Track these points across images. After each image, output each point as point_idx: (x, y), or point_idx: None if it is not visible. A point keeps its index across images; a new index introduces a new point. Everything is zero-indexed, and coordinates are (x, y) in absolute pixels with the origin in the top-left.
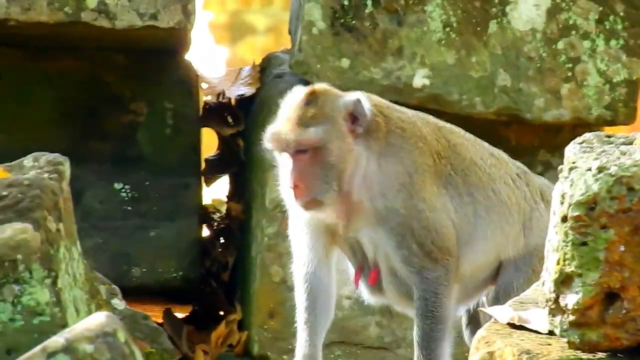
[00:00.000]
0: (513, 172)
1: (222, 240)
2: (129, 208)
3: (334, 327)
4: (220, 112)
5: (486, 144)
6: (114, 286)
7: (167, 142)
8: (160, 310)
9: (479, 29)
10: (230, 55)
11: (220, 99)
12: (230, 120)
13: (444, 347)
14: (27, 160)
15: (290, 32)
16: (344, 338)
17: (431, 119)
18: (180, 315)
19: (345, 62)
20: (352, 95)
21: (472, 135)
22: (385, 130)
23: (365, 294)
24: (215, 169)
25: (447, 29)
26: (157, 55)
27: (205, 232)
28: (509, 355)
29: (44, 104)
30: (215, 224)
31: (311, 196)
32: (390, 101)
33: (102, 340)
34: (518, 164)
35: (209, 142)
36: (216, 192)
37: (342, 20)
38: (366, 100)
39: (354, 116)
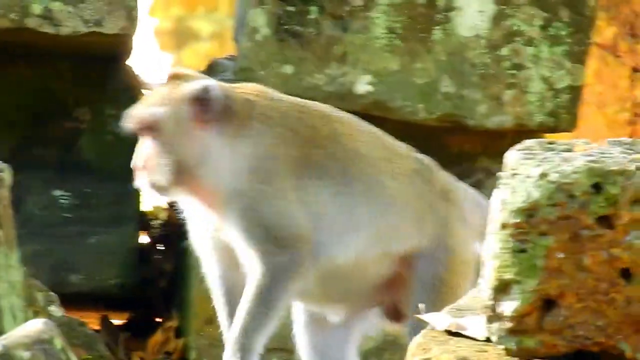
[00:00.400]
0: (410, 168)
1: (161, 248)
2: (70, 215)
3: (272, 334)
4: None
5: (388, 139)
6: (51, 293)
7: (109, 149)
8: (97, 317)
9: (423, 35)
10: (175, 61)
11: None
12: None
13: (264, 331)
14: None
15: (234, 39)
16: (283, 345)
17: (324, 109)
18: (117, 322)
19: (289, 69)
20: (201, 82)
21: (373, 129)
22: (245, 117)
23: None
24: None
25: (392, 35)
26: (101, 62)
27: (145, 239)
28: None
29: None
30: (155, 231)
31: (149, 179)
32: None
33: (39, 347)
34: (426, 161)
35: None
36: (157, 199)
37: (286, 27)
38: (217, 87)
39: (203, 102)
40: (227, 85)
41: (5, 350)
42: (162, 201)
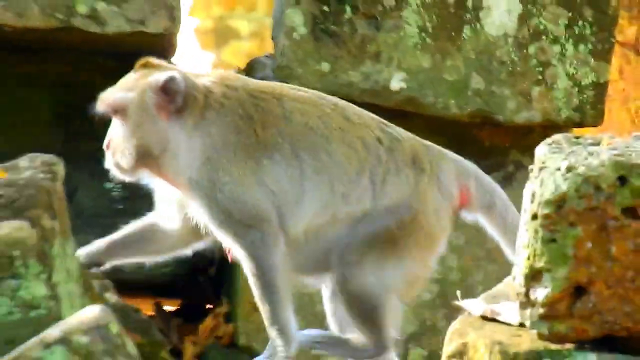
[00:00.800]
0: (369, 136)
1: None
2: (121, 207)
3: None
4: None
5: (353, 111)
6: (106, 281)
7: None
8: (150, 304)
9: (453, 34)
10: (216, 59)
11: None
12: None
13: (282, 306)
14: (23, 161)
15: (273, 38)
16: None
17: (281, 90)
18: (170, 308)
19: (325, 66)
20: (167, 73)
21: (338, 103)
22: (203, 107)
23: None
24: None
25: (423, 34)
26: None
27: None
28: (482, 346)
29: (39, 106)
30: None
31: (114, 160)
32: (369, 103)
33: (96, 332)
34: (393, 131)
35: None
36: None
37: (322, 26)
38: (181, 79)
39: (167, 92)
40: (192, 75)
41: (64, 336)
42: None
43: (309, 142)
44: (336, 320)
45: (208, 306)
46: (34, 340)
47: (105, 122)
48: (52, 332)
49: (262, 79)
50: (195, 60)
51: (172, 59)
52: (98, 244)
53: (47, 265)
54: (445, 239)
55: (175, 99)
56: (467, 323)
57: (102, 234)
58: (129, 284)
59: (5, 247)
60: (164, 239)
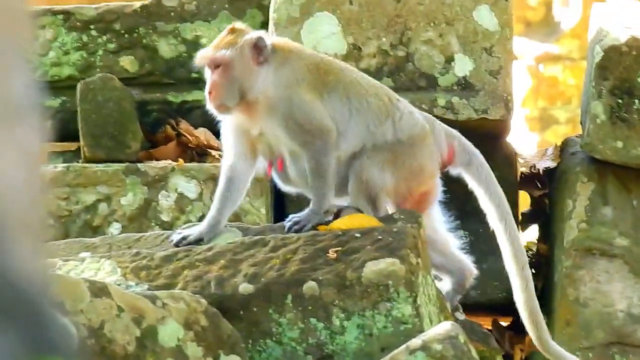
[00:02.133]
0: (391, 94)
1: (533, 271)
2: (468, 248)
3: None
4: (532, 179)
5: (375, 82)
6: (458, 304)
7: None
8: (489, 320)
9: None
10: (540, 139)
11: (532, 170)
12: (539, 185)
13: (329, 190)
14: (396, 214)
15: (581, 122)
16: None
17: (329, 59)
18: (504, 323)
19: (619, 144)
20: (256, 33)
21: (366, 76)
22: (285, 56)
23: (278, 183)
24: (528, 220)
25: None
26: (487, 138)
27: None
28: None
29: None
30: (529, 259)
31: (219, 101)
32: None
33: (448, 341)
34: (401, 102)
35: (524, 201)
36: (529, 236)
37: (617, 114)
38: (266, 37)
39: (257, 47)
40: (272, 36)
41: (425, 344)
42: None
43: (356, 90)
44: None
45: None
46: (401, 347)
47: None
48: (416, 341)
49: (572, 153)
50: (524, 139)
51: (507, 138)
52: (214, 221)
53: (413, 291)
54: (432, 181)
55: (263, 51)
56: None
57: None
58: (474, 305)
59: (382, 278)
60: (245, 180)
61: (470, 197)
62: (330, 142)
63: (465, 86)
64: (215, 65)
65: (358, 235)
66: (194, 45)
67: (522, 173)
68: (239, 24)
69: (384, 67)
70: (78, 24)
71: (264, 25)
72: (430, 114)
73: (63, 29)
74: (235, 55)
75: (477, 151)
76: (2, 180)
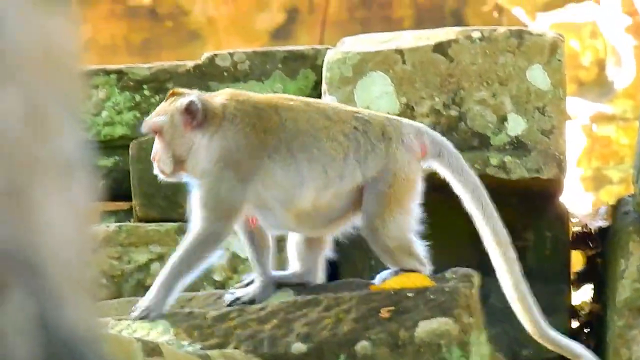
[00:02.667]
0: (347, 128)
1: (586, 330)
2: None
3: None
4: (584, 239)
5: (334, 108)
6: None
7: (547, 260)
8: None
9: None
10: (594, 198)
11: (585, 230)
12: (591, 244)
13: (183, 279)
14: (448, 273)
15: (634, 182)
16: None
17: (277, 101)
18: None
19: None
20: (188, 97)
21: (320, 105)
22: (219, 119)
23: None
24: (581, 279)
25: None
26: (540, 197)
27: (574, 324)
28: None
29: (460, 233)
30: (582, 318)
31: (159, 168)
32: None
33: None
34: (363, 116)
35: (577, 261)
36: (582, 295)
37: None
38: (199, 101)
39: (189, 112)
40: (207, 95)
41: None
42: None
43: (301, 142)
44: (301, 261)
45: None
46: None
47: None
48: None
49: (625, 213)
50: (578, 198)
51: (560, 197)
52: (265, 280)
53: (465, 350)
54: (420, 179)
55: (196, 116)
56: None
57: (506, 328)
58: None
59: (435, 337)
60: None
61: (522, 256)
62: (225, 232)
63: (518, 146)
64: (154, 131)
65: (410, 294)
66: None
67: (575, 232)
68: (179, 89)
69: (436, 127)
70: (131, 83)
71: (318, 85)
72: (483, 173)
73: (116, 89)
74: (167, 122)
75: (445, 140)
76: (53, 238)
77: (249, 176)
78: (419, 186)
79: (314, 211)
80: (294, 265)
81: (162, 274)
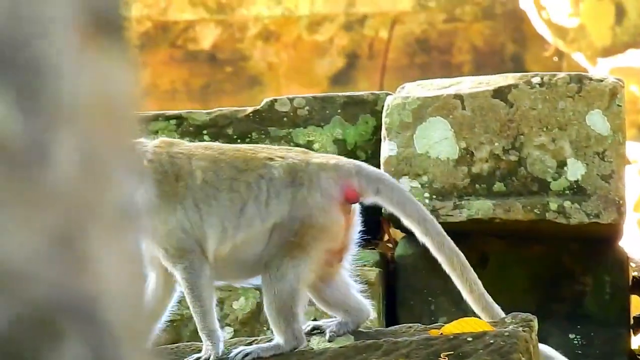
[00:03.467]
0: (252, 178)
1: None
2: (579, 352)
3: None
4: None
5: (245, 158)
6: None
7: (606, 305)
8: None
9: None
10: None
11: None
12: None
13: (209, 315)
14: (508, 318)
15: None
16: None
17: (193, 150)
18: None
19: None
20: None
21: (236, 154)
22: (145, 169)
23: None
24: None
25: None
26: (599, 242)
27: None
28: None
29: (519, 278)
30: None
31: None
32: None
33: None
34: (277, 162)
35: (636, 305)
36: None
37: None
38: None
39: None
40: (140, 144)
41: None
42: None
43: (204, 194)
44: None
45: None
46: None
47: (569, 290)
48: None
49: None
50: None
51: (619, 242)
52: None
53: None
54: (338, 228)
55: None
56: None
57: None
58: None
59: None
60: None
61: (581, 301)
62: (195, 260)
63: (577, 191)
64: None
65: (470, 339)
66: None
67: (634, 277)
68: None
69: (496, 172)
70: (191, 129)
71: (377, 130)
72: (542, 218)
73: (176, 134)
74: None
75: (384, 176)
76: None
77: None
78: (337, 234)
79: (221, 262)
80: (338, 315)
81: (198, 324)
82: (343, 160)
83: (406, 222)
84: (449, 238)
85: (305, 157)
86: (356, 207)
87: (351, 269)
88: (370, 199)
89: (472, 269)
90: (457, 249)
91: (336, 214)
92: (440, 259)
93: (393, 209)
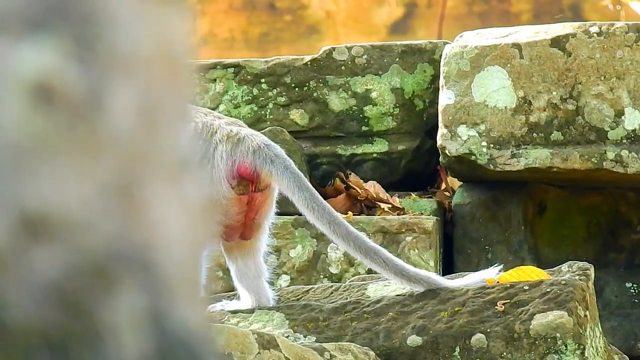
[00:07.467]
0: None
1: None
2: (636, 301)
3: None
4: None
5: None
6: (624, 355)
7: None
8: None
9: None
10: None
11: None
12: None
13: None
14: (564, 267)
15: None
16: None
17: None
18: None
19: None
20: None
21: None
22: None
23: None
24: None
25: None
26: None
27: None
28: None
29: (576, 227)
30: None
31: None
32: None
33: None
34: None
35: None
36: None
37: None
38: None
39: None
40: None
41: None
42: None
43: None
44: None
45: None
46: None
47: (627, 239)
48: None
49: None
50: None
51: None
52: None
53: (581, 344)
54: (226, 202)
55: None
56: None
57: (621, 321)
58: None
59: (550, 330)
60: None
61: (638, 250)
62: None
63: (634, 139)
64: None
65: (526, 287)
66: (365, 98)
67: None
68: None
69: (553, 121)
70: (249, 77)
71: (435, 79)
72: (600, 167)
73: (233, 82)
74: None
75: (279, 159)
76: (165, 235)
77: None
78: (225, 207)
79: None
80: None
81: None
82: (254, 137)
83: (298, 207)
84: (342, 222)
85: (217, 128)
86: (272, 189)
87: (268, 250)
88: (268, 180)
89: (378, 251)
90: (355, 232)
91: (224, 188)
92: (338, 242)
93: (286, 192)
